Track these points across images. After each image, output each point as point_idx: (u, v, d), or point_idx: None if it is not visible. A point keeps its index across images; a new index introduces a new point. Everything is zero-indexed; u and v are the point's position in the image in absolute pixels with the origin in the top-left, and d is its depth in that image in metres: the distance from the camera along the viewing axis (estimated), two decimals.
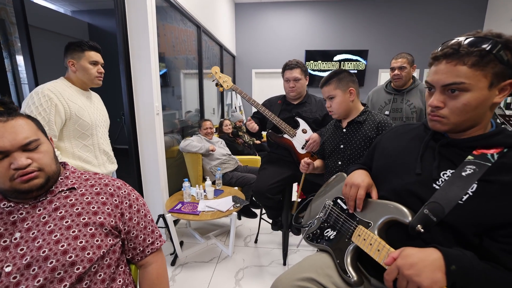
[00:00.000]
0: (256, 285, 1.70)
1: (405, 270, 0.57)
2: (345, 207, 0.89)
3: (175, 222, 2.41)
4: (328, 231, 0.91)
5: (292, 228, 1.98)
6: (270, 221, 2.08)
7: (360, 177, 0.84)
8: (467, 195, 0.61)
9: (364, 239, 0.74)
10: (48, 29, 4.09)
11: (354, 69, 5.04)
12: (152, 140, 2.03)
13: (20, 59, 2.52)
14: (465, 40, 0.61)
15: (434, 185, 0.67)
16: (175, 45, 2.57)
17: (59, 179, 0.75)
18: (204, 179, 2.54)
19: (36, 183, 0.66)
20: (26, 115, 0.71)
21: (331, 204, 0.96)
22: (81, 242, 0.67)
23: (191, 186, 2.13)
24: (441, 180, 0.66)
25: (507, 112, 3.58)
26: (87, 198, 0.74)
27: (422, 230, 0.63)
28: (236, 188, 2.38)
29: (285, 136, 1.75)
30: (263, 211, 2.17)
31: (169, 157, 2.48)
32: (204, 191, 2.10)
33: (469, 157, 0.65)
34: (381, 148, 0.89)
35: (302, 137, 1.73)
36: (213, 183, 2.35)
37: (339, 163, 1.32)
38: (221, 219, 2.56)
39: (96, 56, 1.39)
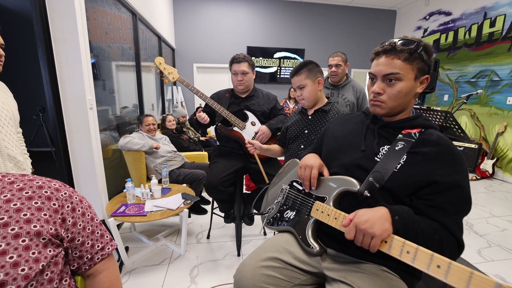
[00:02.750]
0: (212, 280, 1.69)
1: (361, 225, 0.68)
2: (301, 188, 0.98)
3: (117, 227, 2.19)
4: (287, 213, 0.98)
5: (244, 219, 2.03)
6: (222, 215, 2.09)
7: (312, 159, 0.94)
8: (400, 164, 0.77)
9: (322, 212, 0.84)
10: None
11: (292, 67, 5.40)
12: (85, 138, 1.78)
13: None
14: (398, 41, 0.78)
15: (376, 158, 0.82)
16: (107, 31, 2.29)
17: None
18: (149, 178, 2.38)
19: None
20: None
21: (287, 187, 1.03)
22: (11, 258, 0.55)
23: (134, 186, 1.96)
24: (381, 154, 0.82)
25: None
26: (15, 205, 0.61)
27: (369, 194, 0.77)
28: (184, 185, 2.30)
29: (235, 128, 1.77)
30: (215, 205, 2.16)
31: (104, 157, 2.23)
32: (150, 191, 1.97)
33: (400, 135, 0.82)
34: (330, 133, 1.02)
35: (251, 129, 1.78)
36: (159, 181, 2.22)
37: (302, 146, 1.43)
38: (169, 218, 2.45)
39: None
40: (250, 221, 2.06)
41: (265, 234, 2.24)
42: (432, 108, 4.22)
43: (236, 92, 1.86)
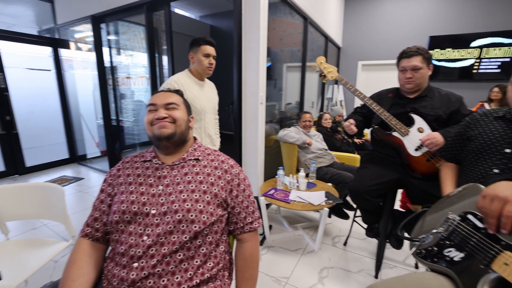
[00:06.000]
0: None
1: None
2: (480, 225, 0.70)
3: (267, 206, 2.55)
4: (450, 251, 0.75)
5: (391, 239, 1.74)
6: (365, 225, 1.90)
7: (509, 189, 0.64)
8: None
9: None
10: (181, 32, 5.02)
11: (506, 57, 3.84)
12: (254, 127, 2.19)
13: (164, 58, 3.19)
14: None
15: None
16: (282, 38, 2.65)
17: (189, 150, 0.92)
18: (298, 170, 2.57)
19: (165, 131, 0.84)
20: (182, 95, 0.96)
21: (457, 219, 0.78)
22: (200, 206, 0.79)
23: (285, 175, 2.19)
24: None
25: None
26: (207, 170, 0.88)
27: None
28: (329, 184, 2.29)
29: (394, 134, 1.53)
30: (358, 213, 2.00)
31: (267, 145, 2.62)
32: (297, 182, 2.12)
33: None
34: None
35: (416, 136, 1.47)
36: (307, 175, 2.34)
37: (495, 171, 0.95)
38: (310, 212, 2.55)
39: (209, 49, 1.60)
40: (398, 244, 1.74)
41: (416, 267, 1.82)
42: None
43: (402, 91, 1.59)
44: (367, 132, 4.18)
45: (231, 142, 2.34)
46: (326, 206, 1.85)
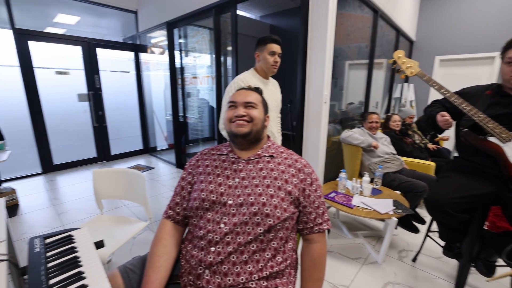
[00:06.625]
0: None
1: None
2: None
3: None
4: None
5: (478, 263, 1.49)
6: (442, 243, 1.66)
7: None
8: None
9: None
10: (243, 33, 5.19)
11: None
12: (316, 127, 2.13)
13: (228, 58, 3.33)
14: None
15: None
16: (350, 33, 2.50)
17: (264, 146, 0.94)
18: (361, 175, 2.40)
19: (241, 130, 0.88)
20: (261, 93, 0.99)
21: None
22: (274, 201, 0.81)
23: (347, 178, 2.07)
24: None
25: None
26: (281, 167, 0.88)
27: None
28: (398, 192, 2.07)
29: (492, 139, 1.29)
30: (432, 227, 1.76)
31: (326, 146, 2.52)
32: (361, 187, 1.98)
33: None
34: None
35: None
36: (371, 180, 2.17)
37: None
38: (372, 221, 2.36)
39: (275, 47, 1.60)
40: (488, 271, 1.47)
41: None
42: None
43: (506, 88, 1.33)
44: (441, 136, 3.66)
45: (288, 142, 2.31)
46: (394, 216, 1.68)
